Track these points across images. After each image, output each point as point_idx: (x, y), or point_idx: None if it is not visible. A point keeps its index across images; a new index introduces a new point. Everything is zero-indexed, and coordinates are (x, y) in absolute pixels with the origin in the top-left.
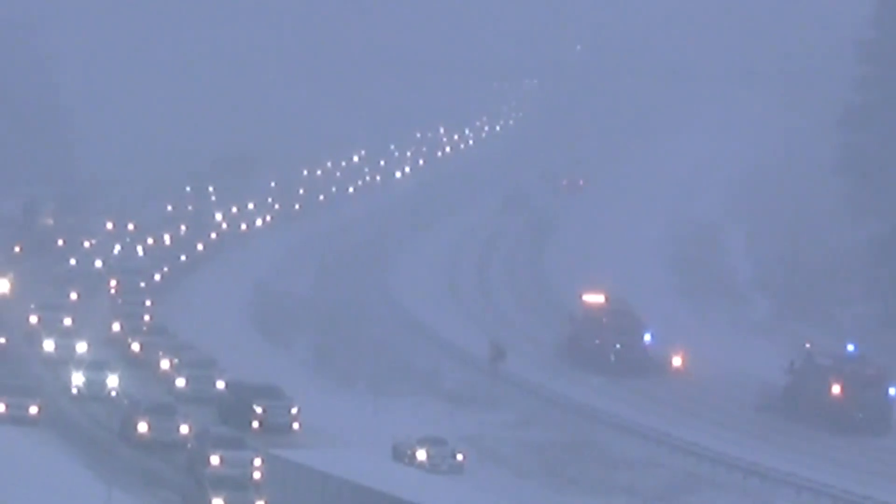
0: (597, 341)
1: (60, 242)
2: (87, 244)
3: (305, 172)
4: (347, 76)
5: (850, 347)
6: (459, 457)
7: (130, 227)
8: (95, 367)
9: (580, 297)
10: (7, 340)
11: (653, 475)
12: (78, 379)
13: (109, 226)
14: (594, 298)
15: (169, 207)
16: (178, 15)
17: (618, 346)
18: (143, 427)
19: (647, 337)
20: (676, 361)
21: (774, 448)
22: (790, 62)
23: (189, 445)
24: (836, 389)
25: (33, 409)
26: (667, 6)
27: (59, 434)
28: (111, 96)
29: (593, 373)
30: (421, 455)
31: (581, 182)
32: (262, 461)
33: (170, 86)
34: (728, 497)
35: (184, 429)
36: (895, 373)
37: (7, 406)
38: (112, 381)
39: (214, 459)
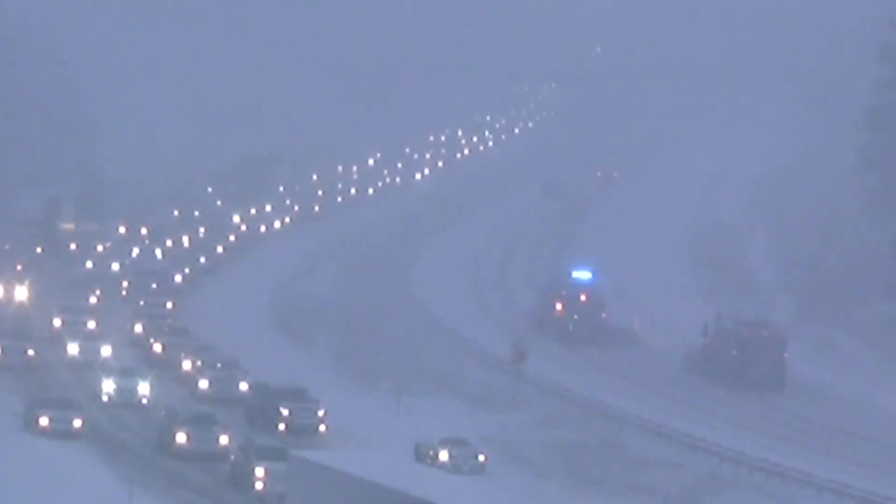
0: (558, 312)
1: (74, 246)
2: (100, 248)
3: (315, 177)
4: (366, 78)
5: (756, 314)
6: (481, 457)
7: (143, 231)
8: (126, 374)
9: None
10: (36, 352)
11: (677, 476)
12: (108, 386)
13: (122, 230)
14: (562, 273)
15: (176, 212)
16: (200, 17)
17: (575, 317)
18: (181, 438)
19: (604, 310)
20: (633, 332)
21: (673, 403)
22: (812, 63)
23: (232, 458)
24: (735, 350)
25: (77, 423)
26: (686, 8)
27: (88, 441)
28: (133, 97)
29: (553, 341)
30: (443, 456)
31: (615, 174)
32: None
33: (191, 87)
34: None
35: (223, 439)
36: (790, 336)
37: (50, 420)
38: (143, 388)
39: (259, 472)
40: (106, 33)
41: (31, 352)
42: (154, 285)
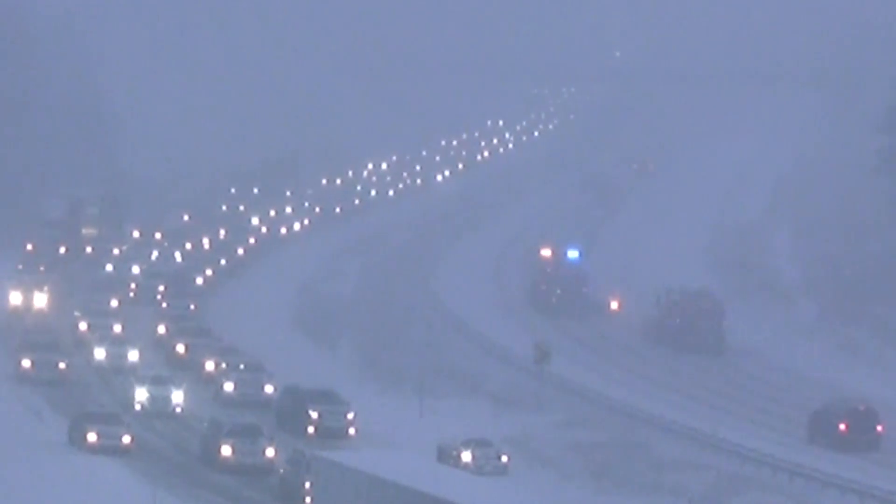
0: (543, 288)
1: (90, 249)
2: (116, 251)
3: (325, 181)
4: (382, 80)
5: (705, 288)
6: (504, 458)
7: (158, 235)
8: (159, 382)
9: (538, 252)
10: (68, 366)
11: (700, 476)
12: (141, 395)
13: (136, 234)
14: (547, 253)
15: (186, 217)
16: (223, 18)
17: (559, 291)
18: (226, 450)
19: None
20: (614, 305)
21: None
22: (833, 64)
23: (281, 471)
24: (678, 319)
25: (126, 439)
26: (705, 10)
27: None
28: (157, 97)
29: (539, 314)
30: (466, 456)
31: (651, 166)
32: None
33: (214, 88)
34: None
35: (270, 451)
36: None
37: (98, 436)
38: (177, 396)
39: (309, 485)
40: (130, 34)
41: (62, 365)
42: (162, 287)
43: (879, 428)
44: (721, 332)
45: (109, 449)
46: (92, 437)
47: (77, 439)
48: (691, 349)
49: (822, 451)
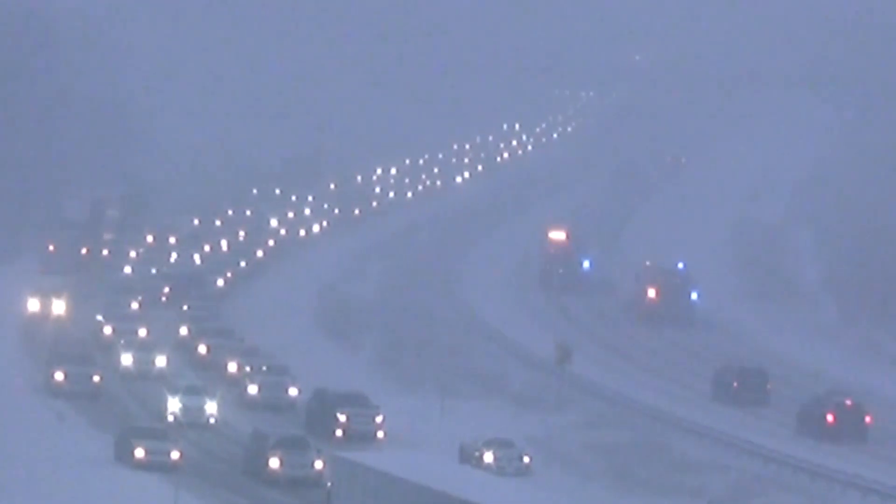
0: (547, 267)
1: (105, 252)
2: (133, 253)
3: (332, 186)
4: (400, 83)
5: (680, 265)
6: (526, 459)
7: (172, 240)
8: (192, 392)
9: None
10: (102, 378)
11: (721, 477)
12: (174, 405)
13: (150, 238)
14: (554, 235)
15: (196, 221)
16: (245, 18)
17: (560, 270)
18: (274, 462)
19: (586, 264)
20: (609, 283)
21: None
22: (854, 65)
23: (329, 484)
24: (651, 293)
25: (174, 454)
26: (725, 15)
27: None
28: (177, 99)
29: (541, 290)
30: (488, 457)
31: (683, 160)
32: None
33: (235, 90)
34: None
35: (318, 464)
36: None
37: (146, 452)
38: (210, 407)
39: None
40: (152, 36)
41: (96, 378)
42: (167, 289)
43: (769, 386)
44: (690, 306)
45: (157, 465)
46: (139, 452)
47: (124, 455)
48: (664, 321)
49: (720, 407)
